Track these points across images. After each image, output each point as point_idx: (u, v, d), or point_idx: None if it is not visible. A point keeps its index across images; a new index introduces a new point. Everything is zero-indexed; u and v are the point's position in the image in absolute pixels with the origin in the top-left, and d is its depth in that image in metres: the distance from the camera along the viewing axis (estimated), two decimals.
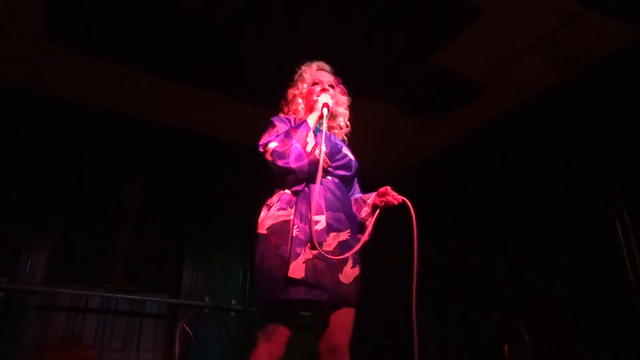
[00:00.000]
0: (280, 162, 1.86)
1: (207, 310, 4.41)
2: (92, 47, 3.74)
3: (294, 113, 2.23)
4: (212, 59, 3.87)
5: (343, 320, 1.84)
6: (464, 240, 4.42)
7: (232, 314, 4.52)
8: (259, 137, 2.02)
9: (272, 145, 1.90)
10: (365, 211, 2.14)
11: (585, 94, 3.76)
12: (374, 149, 5.09)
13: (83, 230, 4.34)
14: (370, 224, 2.05)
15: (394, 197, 2.04)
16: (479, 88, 4.11)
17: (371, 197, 2.15)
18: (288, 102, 2.29)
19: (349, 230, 1.92)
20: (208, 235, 4.73)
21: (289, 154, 1.87)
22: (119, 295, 4.20)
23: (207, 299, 4.45)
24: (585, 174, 3.63)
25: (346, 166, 2.08)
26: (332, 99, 2.11)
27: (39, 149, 4.18)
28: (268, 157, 1.89)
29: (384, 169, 5.27)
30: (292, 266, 1.73)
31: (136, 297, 4.24)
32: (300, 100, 2.24)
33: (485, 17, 3.34)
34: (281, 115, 2.22)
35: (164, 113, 4.62)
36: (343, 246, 1.86)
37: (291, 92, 2.30)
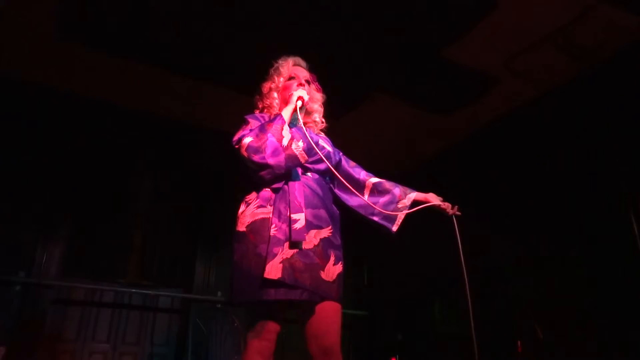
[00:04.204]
0: (256, 158, 1.78)
1: (220, 305, 4.44)
2: (102, 44, 3.77)
3: (269, 108, 2.16)
4: (224, 54, 3.88)
5: (331, 319, 1.76)
6: (478, 236, 4.39)
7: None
8: (233, 134, 1.95)
9: (247, 140, 1.82)
10: (409, 199, 2.12)
11: (600, 87, 3.70)
12: (386, 144, 5.09)
13: (97, 226, 4.40)
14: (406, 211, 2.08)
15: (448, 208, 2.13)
16: (492, 82, 4.07)
17: (415, 194, 2.14)
18: (262, 96, 2.21)
19: (330, 227, 1.88)
20: (220, 231, 4.74)
21: (264, 148, 1.79)
22: (133, 290, 4.24)
23: (219, 293, 4.48)
24: (601, 170, 3.58)
25: (326, 157, 1.98)
26: (307, 95, 2.04)
27: (53, 146, 4.23)
28: (243, 152, 1.81)
29: (396, 165, 5.25)
30: (268, 267, 1.68)
31: (149, 291, 4.29)
32: (275, 95, 2.16)
33: (498, 10, 3.30)
34: (256, 113, 2.15)
35: (178, 109, 4.65)
36: (325, 243, 1.83)
37: (266, 85, 2.21)
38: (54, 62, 3.94)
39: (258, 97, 2.24)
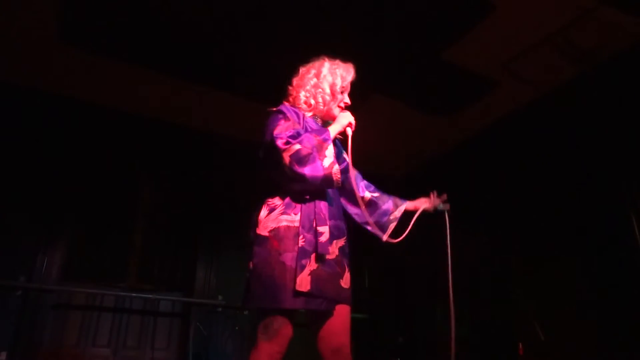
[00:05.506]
0: (297, 168, 1.77)
1: (220, 309, 4.43)
2: (105, 48, 3.78)
3: (305, 103, 2.07)
4: (223, 58, 3.90)
5: (343, 320, 1.84)
6: (478, 239, 4.39)
7: (245, 312, 4.53)
8: (270, 125, 1.89)
9: (296, 147, 1.78)
10: (399, 211, 2.22)
11: (600, 89, 3.71)
12: (386, 146, 5.09)
13: (98, 230, 4.40)
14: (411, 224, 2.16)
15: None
16: (492, 84, 4.08)
17: (406, 204, 2.25)
18: (305, 87, 2.09)
19: (345, 237, 1.95)
20: (221, 234, 4.75)
21: (306, 162, 1.77)
22: (134, 294, 4.23)
23: (220, 297, 4.47)
24: (600, 172, 3.59)
25: (344, 171, 2.02)
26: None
27: (54, 150, 4.24)
28: (286, 156, 1.77)
29: (396, 167, 5.26)
30: (299, 279, 1.72)
31: (150, 295, 4.28)
32: (320, 99, 2.08)
33: (497, 12, 3.31)
34: (287, 104, 2.06)
35: (178, 113, 4.66)
36: (342, 252, 1.90)
37: (323, 80, 2.10)
38: (54, 65, 3.96)
39: (299, 83, 2.13)
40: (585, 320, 3.43)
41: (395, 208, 2.22)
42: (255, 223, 1.88)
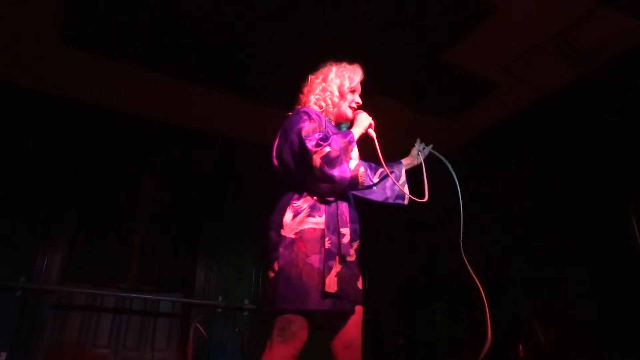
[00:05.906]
0: (327, 170, 1.80)
1: (220, 310, 4.43)
2: (107, 49, 3.79)
3: (317, 106, 2.13)
4: (223, 60, 3.90)
5: (357, 318, 1.92)
6: (478, 239, 4.39)
7: (245, 313, 4.54)
8: (295, 124, 1.92)
9: (327, 149, 1.81)
10: (404, 174, 2.38)
11: (600, 91, 3.72)
12: (386, 147, 5.09)
13: (98, 230, 4.39)
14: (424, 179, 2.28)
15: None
16: (492, 86, 4.08)
17: (404, 164, 2.42)
18: (313, 89, 2.17)
19: (359, 240, 2.01)
20: (221, 235, 4.75)
21: (335, 164, 1.82)
22: (134, 295, 4.23)
23: (220, 298, 4.47)
24: (600, 173, 3.59)
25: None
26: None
27: (55, 150, 4.24)
28: (316, 159, 1.80)
29: None
30: (327, 280, 1.76)
31: (150, 296, 4.28)
32: (329, 100, 2.15)
33: (497, 14, 3.32)
34: (310, 108, 2.10)
35: (179, 114, 4.67)
36: (357, 255, 1.97)
37: (332, 84, 2.17)
38: (55, 65, 3.96)
39: (309, 89, 2.21)
40: (585, 320, 3.43)
41: (400, 173, 2.36)
42: (279, 225, 1.88)
